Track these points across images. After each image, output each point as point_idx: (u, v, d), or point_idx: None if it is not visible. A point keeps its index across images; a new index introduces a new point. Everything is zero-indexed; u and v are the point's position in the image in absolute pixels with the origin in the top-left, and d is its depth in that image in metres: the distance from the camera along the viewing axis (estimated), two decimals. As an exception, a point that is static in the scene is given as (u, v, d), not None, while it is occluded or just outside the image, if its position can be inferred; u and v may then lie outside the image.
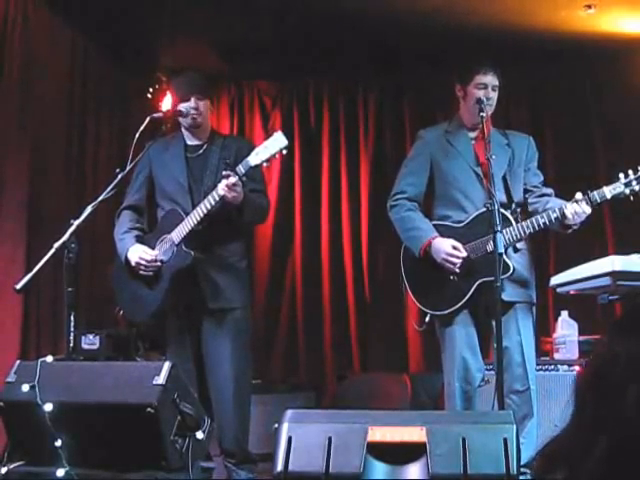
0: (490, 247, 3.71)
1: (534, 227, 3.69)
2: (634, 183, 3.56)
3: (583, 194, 3.60)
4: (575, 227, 3.70)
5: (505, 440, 2.70)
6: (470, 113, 3.94)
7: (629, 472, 1.07)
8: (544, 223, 3.67)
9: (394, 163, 6.68)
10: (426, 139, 4.09)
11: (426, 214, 4.02)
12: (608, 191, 3.58)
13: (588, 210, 3.60)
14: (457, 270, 3.79)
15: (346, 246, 6.70)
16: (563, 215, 3.61)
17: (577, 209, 3.59)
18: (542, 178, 4.01)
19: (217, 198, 3.76)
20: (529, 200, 3.92)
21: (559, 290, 4.18)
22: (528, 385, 3.73)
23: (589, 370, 1.17)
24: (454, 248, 3.79)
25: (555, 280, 4.16)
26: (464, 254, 3.79)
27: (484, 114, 3.75)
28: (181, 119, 4.07)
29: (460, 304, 3.80)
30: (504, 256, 3.56)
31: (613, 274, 3.68)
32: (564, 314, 4.91)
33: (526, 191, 3.94)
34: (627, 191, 3.57)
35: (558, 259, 5.97)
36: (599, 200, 3.60)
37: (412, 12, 5.46)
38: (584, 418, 1.12)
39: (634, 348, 1.12)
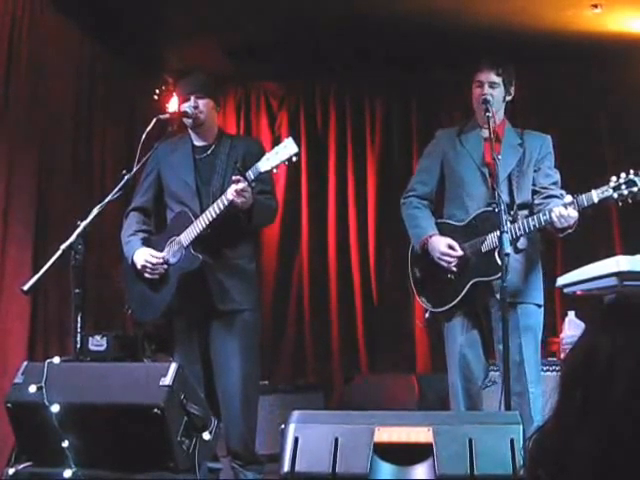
0: (485, 247, 3.73)
1: (525, 229, 3.66)
2: (623, 187, 3.43)
3: (573, 197, 3.53)
4: (570, 231, 3.62)
5: (512, 441, 2.70)
6: (477, 112, 3.95)
7: (615, 462, 1.09)
8: (534, 225, 3.64)
9: (401, 163, 6.71)
10: (439, 139, 4.13)
11: (439, 212, 4.05)
12: (596, 195, 3.47)
13: (574, 214, 3.51)
14: (453, 268, 3.80)
15: (353, 247, 6.71)
16: (551, 218, 3.55)
17: (563, 212, 3.51)
18: (555, 179, 3.92)
19: (226, 203, 3.76)
20: (535, 201, 3.87)
21: (566, 290, 4.17)
22: (527, 388, 3.68)
23: (576, 358, 1.19)
24: (449, 247, 3.82)
25: (562, 280, 4.15)
26: (459, 253, 3.80)
27: (490, 114, 3.74)
28: (185, 120, 4.08)
29: (454, 303, 3.82)
30: (495, 256, 3.55)
31: (619, 274, 3.66)
32: (571, 314, 4.91)
33: (534, 192, 3.89)
34: (615, 195, 3.44)
35: (565, 259, 5.96)
36: (586, 204, 3.49)
37: (418, 13, 5.47)
38: (571, 406, 1.14)
39: (620, 340, 1.14)
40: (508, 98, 3.96)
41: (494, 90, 3.87)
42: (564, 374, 1.21)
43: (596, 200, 3.49)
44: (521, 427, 2.77)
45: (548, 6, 5.40)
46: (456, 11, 5.44)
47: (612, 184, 3.46)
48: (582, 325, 4.80)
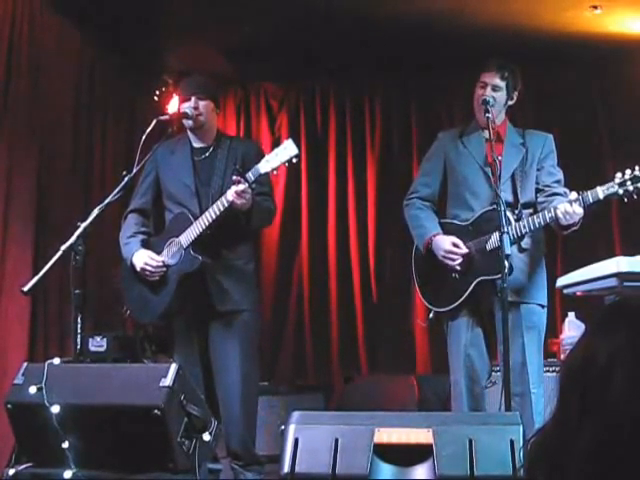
0: (489, 246, 3.73)
1: (530, 227, 3.67)
2: (628, 183, 3.43)
3: (578, 194, 3.53)
4: (575, 228, 3.63)
5: (512, 441, 2.70)
6: (477, 113, 3.94)
7: (613, 462, 1.09)
8: (539, 223, 3.64)
9: (401, 163, 6.71)
10: (442, 140, 4.12)
11: (441, 213, 4.05)
12: (601, 191, 3.47)
13: (579, 211, 3.51)
14: (458, 267, 3.80)
15: (353, 247, 6.70)
16: (556, 215, 3.56)
17: (568, 209, 3.51)
18: (558, 177, 3.92)
19: (226, 204, 3.77)
20: (539, 199, 3.87)
21: (566, 291, 4.17)
22: (529, 389, 3.68)
23: (575, 360, 1.20)
24: (454, 245, 3.82)
25: (562, 281, 4.14)
26: (464, 251, 3.80)
27: (489, 115, 3.74)
28: (185, 121, 4.08)
29: (459, 302, 3.81)
30: (500, 254, 3.55)
31: (619, 275, 3.66)
32: (571, 315, 4.91)
33: (538, 190, 3.89)
34: (620, 191, 3.44)
35: (565, 260, 5.96)
36: (592, 200, 3.49)
37: (418, 14, 5.47)
38: (569, 407, 1.15)
39: (619, 342, 1.14)
40: (510, 102, 3.95)
41: (496, 93, 3.86)
42: (563, 375, 1.22)
43: (601, 196, 3.48)
44: (521, 428, 2.77)
45: (548, 7, 5.40)
46: (456, 12, 5.44)
47: (617, 180, 3.46)
48: (582, 326, 4.80)
